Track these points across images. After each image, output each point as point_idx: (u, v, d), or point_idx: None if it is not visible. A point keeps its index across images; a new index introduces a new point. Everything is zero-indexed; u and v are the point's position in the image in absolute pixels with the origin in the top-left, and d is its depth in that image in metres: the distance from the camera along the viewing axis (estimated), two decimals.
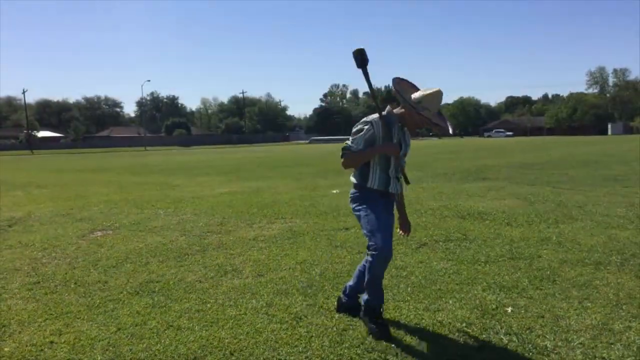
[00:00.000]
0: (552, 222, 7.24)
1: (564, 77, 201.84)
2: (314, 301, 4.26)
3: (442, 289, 4.50)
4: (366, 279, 3.65)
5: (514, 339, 3.45)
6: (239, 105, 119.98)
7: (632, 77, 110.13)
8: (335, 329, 3.68)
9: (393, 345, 3.37)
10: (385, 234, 3.53)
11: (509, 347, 3.35)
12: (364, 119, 3.63)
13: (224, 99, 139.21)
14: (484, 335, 3.52)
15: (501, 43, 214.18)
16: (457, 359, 3.17)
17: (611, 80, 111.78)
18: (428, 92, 3.52)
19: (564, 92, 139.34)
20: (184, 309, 4.18)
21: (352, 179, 3.76)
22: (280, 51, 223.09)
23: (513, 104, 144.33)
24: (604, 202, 9.00)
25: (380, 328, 3.55)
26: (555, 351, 3.26)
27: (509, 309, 3.97)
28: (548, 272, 4.85)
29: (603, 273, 4.80)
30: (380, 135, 3.53)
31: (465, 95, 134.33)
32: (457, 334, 3.56)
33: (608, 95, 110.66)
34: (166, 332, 3.72)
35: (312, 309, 4.07)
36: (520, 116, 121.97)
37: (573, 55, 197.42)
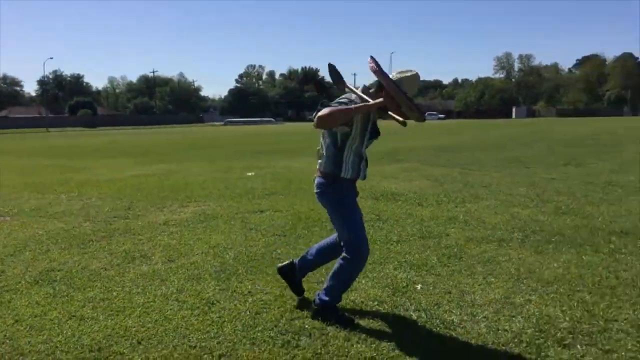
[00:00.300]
0: (459, 202, 7.51)
1: (473, 63, 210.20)
2: (227, 286, 4.18)
3: None
4: (338, 281, 3.44)
5: (423, 314, 3.54)
6: (149, 85, 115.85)
7: (536, 62, 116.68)
8: (248, 312, 3.63)
9: (307, 326, 3.37)
10: (364, 235, 3.37)
11: (418, 322, 3.43)
12: (344, 96, 3.31)
13: (133, 78, 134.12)
14: (394, 313, 3.59)
15: (412, 28, 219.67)
16: (369, 337, 3.21)
17: (517, 65, 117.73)
18: (407, 74, 3.26)
19: (473, 77, 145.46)
20: (88, 297, 3.97)
21: (323, 168, 3.38)
22: (193, 29, 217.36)
23: (425, 87, 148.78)
24: (507, 182, 9.46)
25: (345, 321, 3.42)
26: (461, 325, 3.37)
27: (419, 286, 4.08)
28: (455, 250, 5.03)
29: (506, 249, 5.04)
30: (358, 116, 3.23)
31: None
32: (369, 312, 3.60)
33: (513, 80, 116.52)
34: (68, 322, 3.53)
35: (224, 294, 4.00)
36: (432, 99, 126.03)
37: (482, 40, 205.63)
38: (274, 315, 3.56)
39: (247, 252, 5.13)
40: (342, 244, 3.42)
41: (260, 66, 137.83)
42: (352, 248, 3.34)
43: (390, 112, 3.15)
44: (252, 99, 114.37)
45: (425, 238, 5.52)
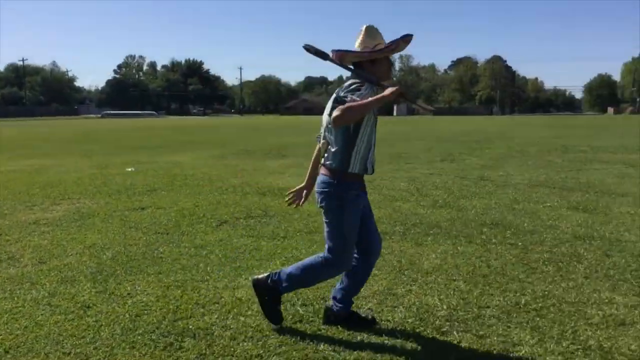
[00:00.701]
0: None
1: None
2: (104, 287, 3.95)
3: (242, 265, 4.48)
4: (305, 275, 3.22)
5: (310, 309, 3.56)
6: (19, 74, 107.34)
7: (415, 63, 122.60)
8: (127, 315, 3.45)
9: (190, 327, 3.26)
10: (352, 248, 3.16)
11: (304, 317, 3.43)
12: (353, 80, 3.01)
13: (0, 66, 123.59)
14: (282, 309, 3.56)
15: (298, 23, 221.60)
16: (256, 334, 3.17)
17: (397, 65, 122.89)
18: (360, 36, 3.05)
19: None
20: None
21: (329, 163, 3.06)
22: (66, 14, 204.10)
23: (311, 83, 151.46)
24: (389, 177, 9.80)
25: (276, 317, 3.28)
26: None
27: None
28: None
29: (388, 242, 5.20)
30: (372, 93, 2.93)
31: (267, 73, 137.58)
32: (255, 309, 3.55)
33: (395, 79, 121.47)
34: None
35: (101, 296, 3.77)
36: (318, 95, 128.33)
37: None
38: (155, 317, 3.41)
39: (126, 251, 4.89)
40: (326, 246, 3.18)
41: (140, 57, 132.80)
42: (336, 254, 3.13)
43: (407, 98, 2.96)
44: (133, 91, 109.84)
45: (312, 233, 5.56)
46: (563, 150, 15.38)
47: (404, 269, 4.38)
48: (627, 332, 3.20)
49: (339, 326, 3.28)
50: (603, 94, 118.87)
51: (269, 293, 3.28)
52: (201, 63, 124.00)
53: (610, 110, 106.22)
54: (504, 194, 7.94)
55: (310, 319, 3.41)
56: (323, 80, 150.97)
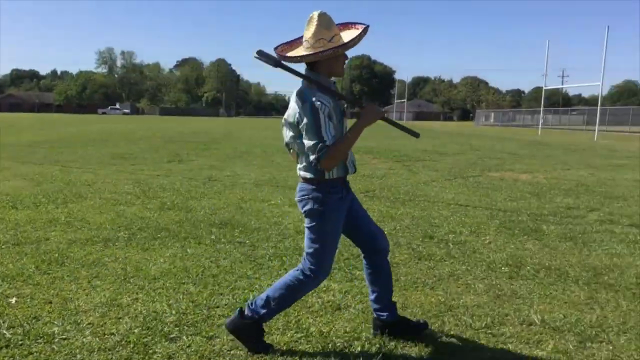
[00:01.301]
0: (61, 202, 6.98)
1: (73, 54, 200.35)
2: None
3: None
4: (283, 294, 2.94)
5: (19, 331, 3.13)
6: None
7: (138, 60, 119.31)
8: None
9: None
10: (332, 258, 2.95)
11: (12, 340, 3.00)
12: (299, 104, 2.67)
13: None
14: None
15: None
16: None
17: (119, 61, 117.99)
18: (312, 27, 2.67)
19: (74, 70, 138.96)
20: None
21: (303, 172, 2.82)
22: None
23: (19, 77, 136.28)
24: (112, 179, 9.26)
25: (263, 348, 2.98)
26: (64, 336, 3.09)
27: (13, 300, 3.60)
28: (56, 255, 4.62)
29: (112, 249, 4.88)
30: (331, 105, 2.67)
31: None
32: None
33: (116, 76, 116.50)
34: None
35: None
36: (28, 91, 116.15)
37: (83, 33, 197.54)
38: None
39: None
40: (305, 253, 2.94)
41: None
42: (314, 260, 2.89)
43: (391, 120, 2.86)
44: None
45: (20, 244, 4.92)
46: (283, 151, 16.47)
47: (129, 277, 4.14)
48: (343, 315, 3.52)
49: (54, 346, 2.94)
50: None
51: (252, 332, 2.99)
52: None
53: None
54: (232, 193, 8.14)
55: (20, 342, 2.99)
56: (34, 74, 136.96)
